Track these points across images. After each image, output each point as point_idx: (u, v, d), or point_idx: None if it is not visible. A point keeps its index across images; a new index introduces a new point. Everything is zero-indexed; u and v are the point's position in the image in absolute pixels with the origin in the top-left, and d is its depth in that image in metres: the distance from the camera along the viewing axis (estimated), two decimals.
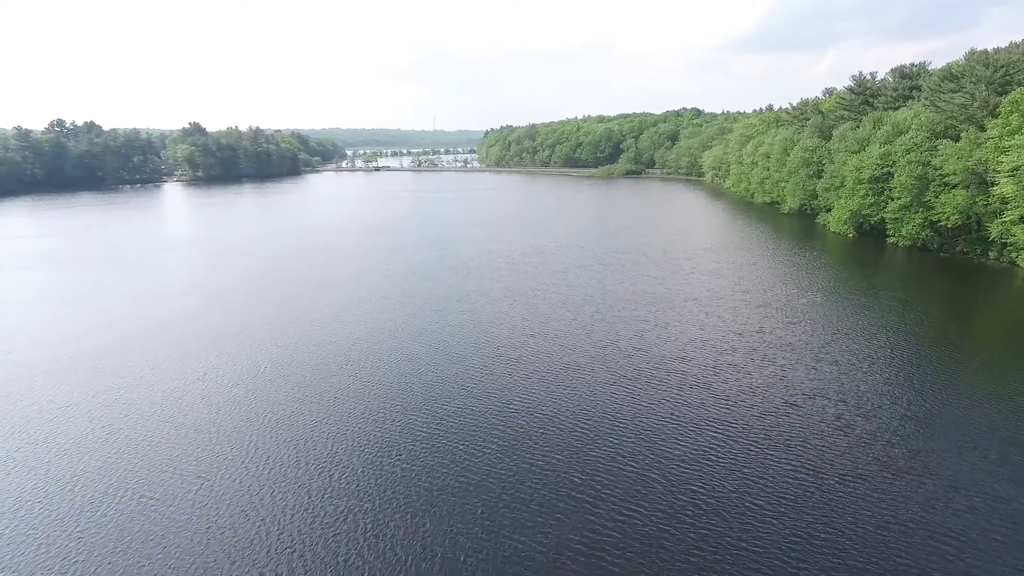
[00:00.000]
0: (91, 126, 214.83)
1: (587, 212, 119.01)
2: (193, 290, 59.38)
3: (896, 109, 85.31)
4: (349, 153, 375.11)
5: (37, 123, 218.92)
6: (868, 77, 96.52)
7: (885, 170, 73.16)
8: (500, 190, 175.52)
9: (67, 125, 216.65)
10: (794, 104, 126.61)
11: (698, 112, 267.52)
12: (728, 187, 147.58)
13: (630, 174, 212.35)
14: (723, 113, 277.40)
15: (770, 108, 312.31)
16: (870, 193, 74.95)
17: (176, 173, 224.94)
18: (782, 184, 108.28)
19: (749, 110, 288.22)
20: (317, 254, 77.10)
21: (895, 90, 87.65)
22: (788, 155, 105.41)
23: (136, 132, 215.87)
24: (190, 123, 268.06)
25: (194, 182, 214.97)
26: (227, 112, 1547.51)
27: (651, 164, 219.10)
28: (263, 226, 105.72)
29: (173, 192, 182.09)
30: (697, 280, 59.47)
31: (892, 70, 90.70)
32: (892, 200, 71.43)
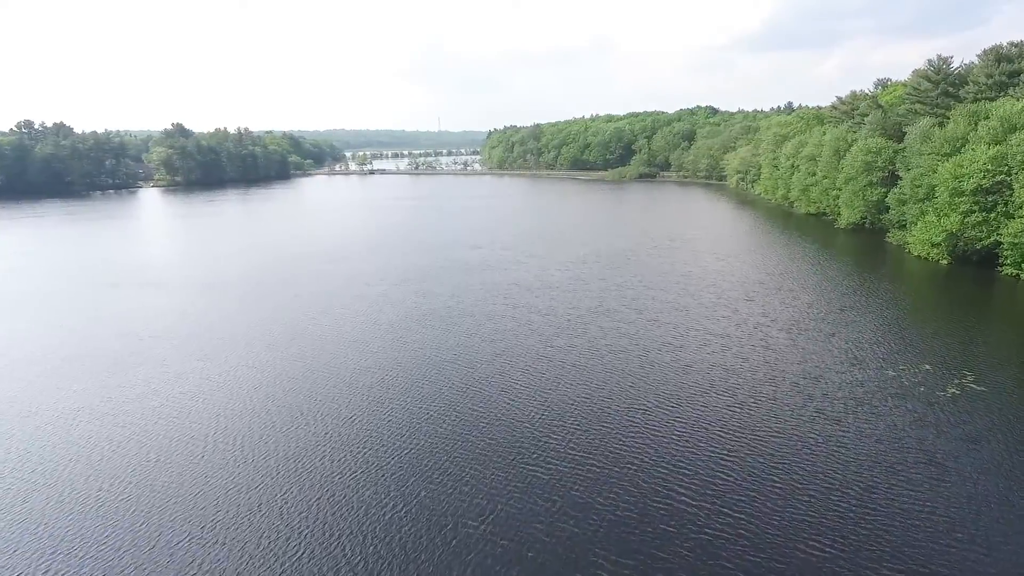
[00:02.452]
0: (60, 127, 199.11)
1: (600, 226, 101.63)
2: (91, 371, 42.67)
3: (992, 100, 67.89)
4: (348, 155, 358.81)
5: (7, 125, 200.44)
6: (947, 62, 78.85)
7: (998, 178, 55.75)
8: (500, 197, 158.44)
9: (36, 127, 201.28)
10: (842, 97, 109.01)
11: (714, 110, 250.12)
12: (759, 193, 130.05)
13: (643, 177, 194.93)
14: (739, 111, 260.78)
15: (789, 106, 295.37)
16: (976, 208, 57.50)
17: (154, 178, 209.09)
18: (833, 192, 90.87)
19: (763, 108, 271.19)
20: (245, 297, 60.27)
21: (989, 76, 70.08)
22: (843, 158, 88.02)
23: (108, 134, 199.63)
24: (173, 124, 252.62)
25: (172, 187, 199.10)
26: (229, 114, 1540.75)
27: (666, 166, 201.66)
28: (193, 256, 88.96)
29: (145, 200, 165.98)
30: (777, 343, 42.11)
31: (984, 52, 73.16)
32: (1013, 219, 53.97)
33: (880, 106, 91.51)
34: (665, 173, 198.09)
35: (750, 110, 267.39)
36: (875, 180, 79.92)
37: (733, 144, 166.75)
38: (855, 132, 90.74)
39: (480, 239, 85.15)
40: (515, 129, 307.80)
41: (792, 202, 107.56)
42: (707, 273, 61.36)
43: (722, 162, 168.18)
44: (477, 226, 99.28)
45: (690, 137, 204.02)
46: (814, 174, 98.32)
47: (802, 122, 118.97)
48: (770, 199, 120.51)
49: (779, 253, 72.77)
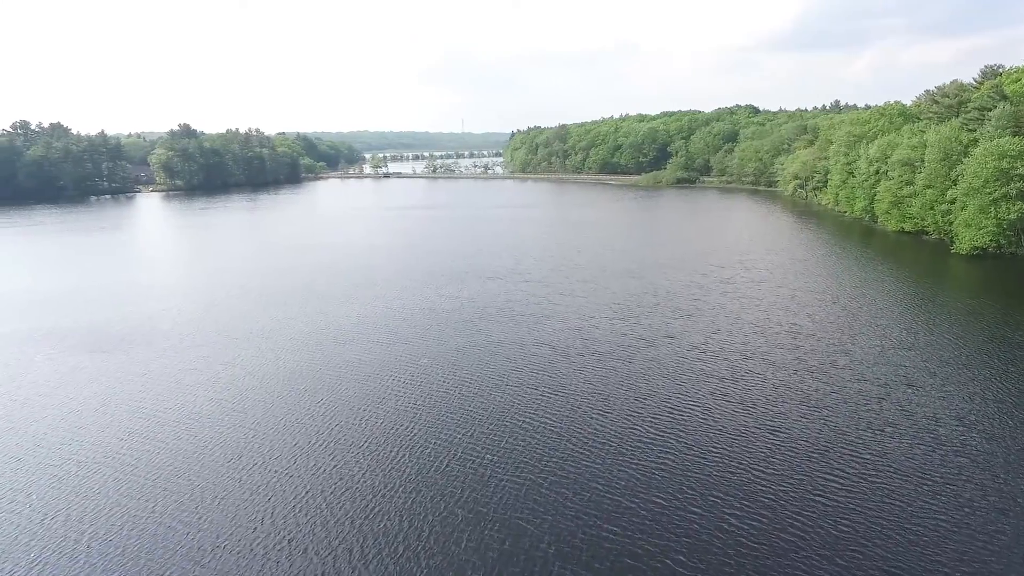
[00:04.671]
0: (56, 128, 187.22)
1: (647, 247, 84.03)
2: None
3: None
4: (367, 156, 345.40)
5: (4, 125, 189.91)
6: None
7: None
8: (523, 207, 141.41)
9: (32, 127, 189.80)
10: (939, 88, 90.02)
11: (755, 109, 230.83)
12: (826, 204, 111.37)
13: (681, 183, 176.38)
14: (781, 111, 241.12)
15: (836, 105, 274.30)
16: None
17: (155, 182, 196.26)
18: (942, 207, 72.44)
19: (804, 107, 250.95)
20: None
21: None
22: (956, 164, 69.68)
23: (104, 136, 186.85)
24: (179, 125, 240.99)
25: (173, 192, 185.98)
26: (252, 117, 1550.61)
27: (705, 170, 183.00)
28: (153, 284, 73.56)
29: (140, 207, 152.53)
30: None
31: None
32: None
33: (1006, 96, 72.71)
34: (705, 178, 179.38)
35: (792, 109, 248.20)
36: (1012, 193, 61.55)
37: (787, 146, 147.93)
38: (973, 131, 72.21)
39: (499, 264, 68.34)
40: (539, 130, 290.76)
41: (878, 216, 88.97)
42: (815, 328, 43.64)
43: (774, 167, 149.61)
44: (496, 246, 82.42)
45: (732, 138, 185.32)
46: (910, 183, 79.80)
47: (883, 119, 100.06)
48: (843, 211, 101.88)
49: (895, 294, 54.63)
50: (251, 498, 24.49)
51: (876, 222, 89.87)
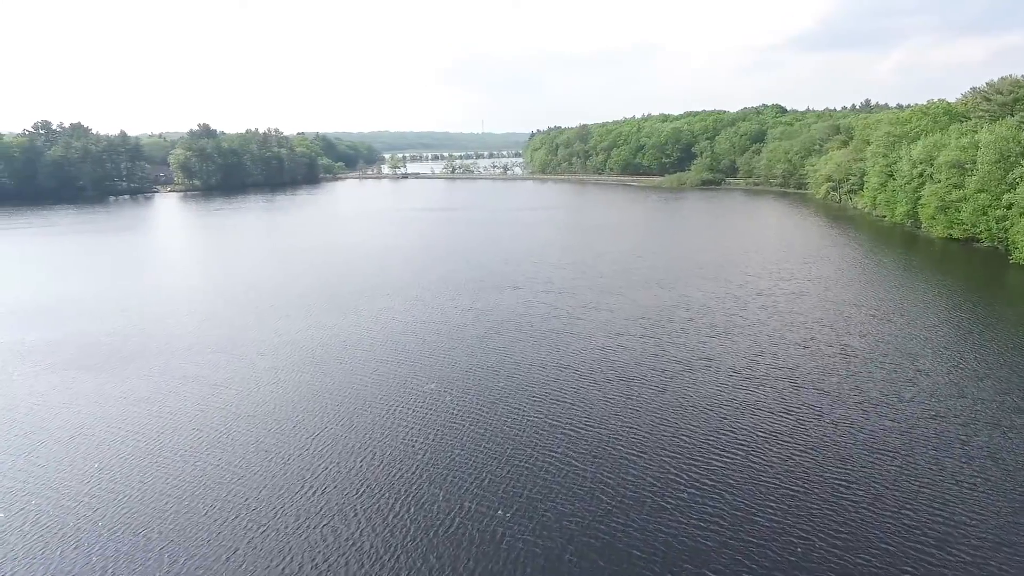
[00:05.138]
0: (76, 128, 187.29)
1: (674, 252, 79.43)
2: None
3: None
4: (387, 156, 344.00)
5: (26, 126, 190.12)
6: None
7: None
8: (544, 209, 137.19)
9: (53, 127, 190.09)
10: (990, 84, 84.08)
11: (782, 109, 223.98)
12: (862, 207, 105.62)
13: (706, 184, 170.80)
14: (809, 110, 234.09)
15: (867, 104, 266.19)
16: None
17: (174, 181, 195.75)
18: (997, 212, 66.90)
19: (833, 107, 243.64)
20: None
21: None
22: (1017, 165, 64.19)
23: (124, 136, 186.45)
24: (199, 125, 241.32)
25: (191, 192, 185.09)
26: (273, 117, 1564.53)
27: (731, 171, 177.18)
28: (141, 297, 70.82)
29: (155, 208, 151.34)
30: None
31: None
32: None
33: None
34: (731, 180, 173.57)
35: (819, 109, 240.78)
36: None
37: (818, 147, 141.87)
38: None
39: (518, 272, 64.38)
40: (559, 130, 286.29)
41: (920, 222, 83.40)
42: (870, 351, 38.94)
43: (804, 168, 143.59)
44: (514, 251, 78.45)
45: (759, 139, 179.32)
46: (960, 187, 74.21)
47: (926, 119, 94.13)
48: (881, 216, 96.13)
49: (954, 311, 49.51)
50: (227, 558, 20.83)
51: (919, 228, 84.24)
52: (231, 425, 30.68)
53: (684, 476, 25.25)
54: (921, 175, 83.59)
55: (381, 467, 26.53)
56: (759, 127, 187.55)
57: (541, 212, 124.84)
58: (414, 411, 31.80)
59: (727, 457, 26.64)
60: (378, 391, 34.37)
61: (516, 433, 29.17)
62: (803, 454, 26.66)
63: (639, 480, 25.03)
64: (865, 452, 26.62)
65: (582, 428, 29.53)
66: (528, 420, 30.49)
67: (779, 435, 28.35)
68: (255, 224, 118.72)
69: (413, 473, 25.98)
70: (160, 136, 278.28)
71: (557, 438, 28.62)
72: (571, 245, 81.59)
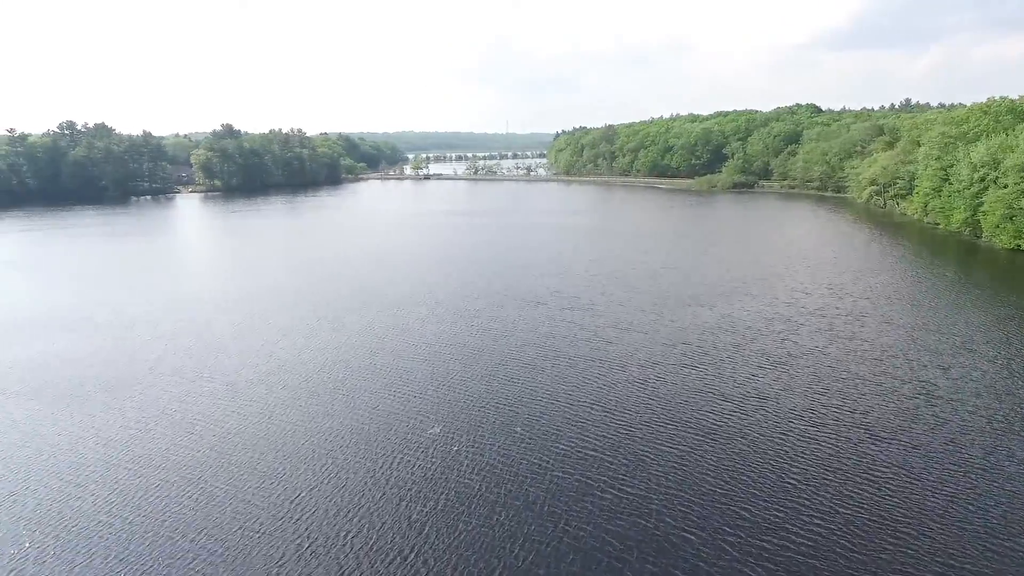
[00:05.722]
0: (100, 128, 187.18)
1: (708, 261, 73.55)
2: None
3: None
4: (411, 156, 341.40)
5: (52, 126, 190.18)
6: None
7: None
8: (570, 213, 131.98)
9: (78, 128, 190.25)
10: None
11: (817, 109, 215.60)
12: (911, 214, 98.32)
13: (738, 187, 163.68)
14: (845, 110, 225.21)
15: (906, 103, 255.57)
16: None
17: (196, 182, 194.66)
18: None
19: (871, 107, 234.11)
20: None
21: None
22: None
23: (146, 136, 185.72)
24: (222, 125, 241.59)
25: (212, 193, 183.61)
26: (299, 118, 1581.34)
27: (764, 173, 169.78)
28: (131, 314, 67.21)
29: (175, 208, 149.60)
30: None
31: None
32: None
33: None
34: (764, 182, 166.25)
35: (856, 108, 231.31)
36: None
37: (859, 148, 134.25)
38: None
39: (541, 285, 59.33)
40: (585, 131, 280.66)
41: (980, 231, 76.39)
42: (958, 391, 33.05)
43: (843, 171, 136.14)
44: (538, 260, 73.38)
45: (793, 140, 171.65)
46: None
47: (987, 118, 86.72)
48: (934, 223, 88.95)
49: None
50: None
51: (979, 237, 77.21)
52: (204, 478, 26.22)
53: (750, 568, 20.03)
54: (983, 179, 76.57)
55: (370, 546, 21.77)
56: (793, 127, 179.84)
57: (565, 217, 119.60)
58: (413, 464, 26.99)
59: (795, 540, 21.31)
60: (373, 437, 29.64)
61: (535, 501, 24.18)
62: (898, 532, 21.22)
63: (694, 568, 19.88)
64: (980, 536, 21.07)
65: (620, 497, 24.41)
66: (549, 484, 25.47)
67: (865, 508, 22.90)
68: (271, 229, 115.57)
69: (407, 555, 21.17)
70: (185, 137, 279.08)
71: (586, 507, 23.57)
72: (598, 255, 76.29)
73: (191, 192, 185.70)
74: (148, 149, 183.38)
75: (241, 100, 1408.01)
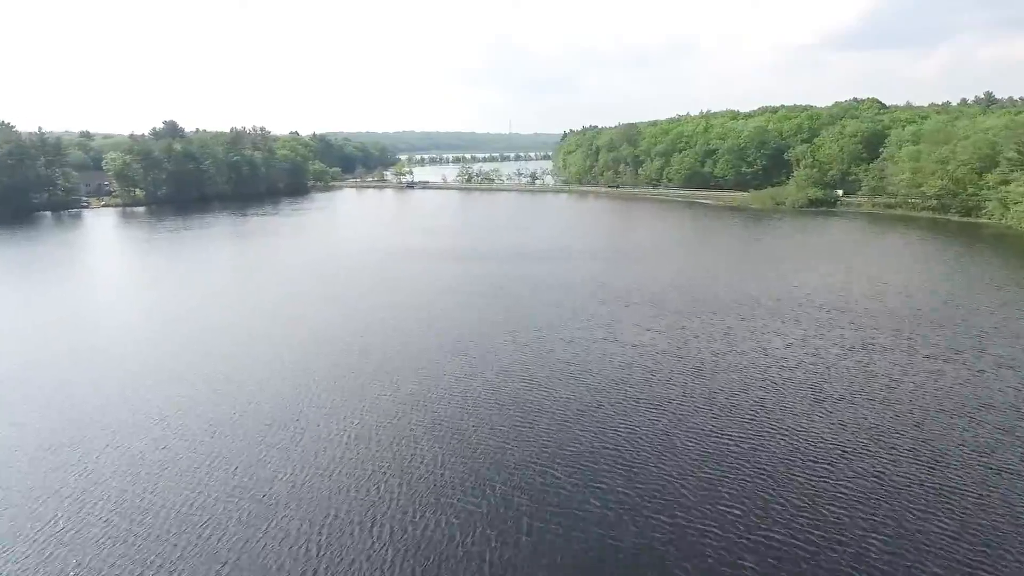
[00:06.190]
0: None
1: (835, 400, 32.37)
2: None
3: None
4: (403, 158, 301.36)
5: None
6: None
7: None
8: (580, 252, 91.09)
9: None
10: None
11: (880, 104, 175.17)
12: None
13: (814, 205, 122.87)
14: (907, 105, 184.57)
15: (989, 96, 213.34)
16: None
17: (111, 193, 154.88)
18: None
19: (951, 101, 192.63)
20: None
21: None
22: None
23: (41, 135, 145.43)
24: (164, 122, 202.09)
25: (130, 208, 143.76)
26: (297, 118, 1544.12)
27: (841, 185, 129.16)
28: None
29: (69, 232, 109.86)
30: None
31: None
32: None
33: None
34: (847, 198, 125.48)
35: (939, 103, 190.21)
36: None
37: (1012, 155, 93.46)
38: None
39: (546, 435, 19.03)
40: (598, 130, 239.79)
41: None
42: None
43: (978, 187, 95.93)
44: (542, 365, 32.73)
45: (873, 143, 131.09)
46: None
47: None
48: None
49: None
50: None
51: None
52: None
53: None
54: None
55: None
56: (872, 126, 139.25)
57: (579, 258, 78.33)
58: None
59: None
60: None
61: None
62: None
63: None
64: None
65: None
66: None
67: None
68: (171, 272, 75.29)
69: None
70: (130, 136, 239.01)
71: None
72: (631, 357, 35.69)
73: (103, 206, 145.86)
74: (46, 151, 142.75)
75: (241, 100, 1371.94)
